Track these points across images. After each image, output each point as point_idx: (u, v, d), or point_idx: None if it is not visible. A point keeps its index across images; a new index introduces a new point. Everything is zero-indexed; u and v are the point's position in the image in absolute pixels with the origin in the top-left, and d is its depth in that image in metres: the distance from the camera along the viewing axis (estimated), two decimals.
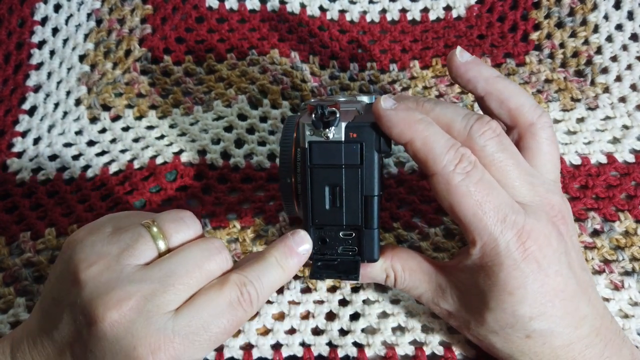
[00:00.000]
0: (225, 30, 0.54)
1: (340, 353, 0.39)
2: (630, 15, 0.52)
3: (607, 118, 0.48)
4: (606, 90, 0.49)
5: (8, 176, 0.48)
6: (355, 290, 0.42)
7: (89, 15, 0.54)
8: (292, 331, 0.40)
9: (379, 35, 0.54)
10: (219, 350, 0.39)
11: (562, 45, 0.52)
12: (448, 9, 0.55)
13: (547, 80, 0.50)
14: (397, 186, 0.46)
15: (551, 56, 0.52)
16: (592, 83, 0.50)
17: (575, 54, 0.51)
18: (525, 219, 0.32)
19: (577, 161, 0.46)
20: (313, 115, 0.33)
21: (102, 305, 0.29)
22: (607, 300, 0.41)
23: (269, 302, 0.41)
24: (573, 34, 0.52)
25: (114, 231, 0.33)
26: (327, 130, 0.33)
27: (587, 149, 0.47)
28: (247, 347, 0.40)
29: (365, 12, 0.55)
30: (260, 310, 0.41)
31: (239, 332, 0.40)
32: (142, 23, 0.54)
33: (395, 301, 0.41)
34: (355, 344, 0.40)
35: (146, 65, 0.52)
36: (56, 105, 0.51)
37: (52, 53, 0.52)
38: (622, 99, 0.49)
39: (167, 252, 0.33)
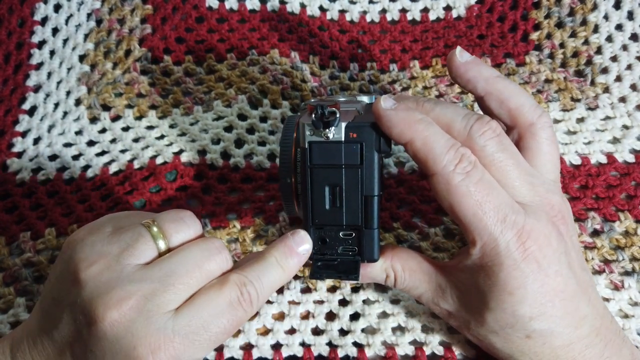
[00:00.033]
0: (225, 30, 0.54)
1: (340, 353, 0.39)
2: (630, 15, 0.52)
3: (607, 118, 0.48)
4: (606, 90, 0.49)
5: (8, 176, 0.48)
6: (355, 290, 0.42)
7: (89, 15, 0.54)
8: (292, 331, 0.40)
9: (379, 35, 0.54)
10: (219, 350, 0.39)
11: (562, 45, 0.52)
12: (448, 9, 0.55)
13: (547, 80, 0.50)
14: (397, 186, 0.46)
15: (551, 56, 0.52)
16: (592, 83, 0.50)
17: (575, 54, 0.51)
18: (525, 219, 0.32)
19: (577, 161, 0.46)
20: (313, 115, 0.33)
21: (102, 305, 0.29)
22: (607, 300, 0.41)
23: (269, 302, 0.41)
24: (573, 34, 0.52)
25: (114, 231, 0.33)
26: (327, 130, 0.33)
27: (587, 149, 0.47)
28: (247, 347, 0.40)
29: (365, 12, 0.55)
30: (260, 310, 0.41)
31: (239, 332, 0.40)
32: (142, 23, 0.54)
33: (395, 301, 0.41)
34: (355, 344, 0.40)
35: (146, 65, 0.52)
36: (56, 105, 0.51)
37: (52, 53, 0.52)
38: (622, 99, 0.49)
39: (167, 251, 0.33)
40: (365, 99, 0.38)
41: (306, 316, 0.41)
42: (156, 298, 0.30)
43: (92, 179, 0.48)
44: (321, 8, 0.55)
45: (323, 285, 0.42)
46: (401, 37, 0.54)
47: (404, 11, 0.55)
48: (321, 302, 0.41)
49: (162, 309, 0.30)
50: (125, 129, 0.50)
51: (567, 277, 0.32)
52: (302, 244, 0.35)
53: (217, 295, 0.31)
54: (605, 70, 0.50)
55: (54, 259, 0.44)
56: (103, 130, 0.50)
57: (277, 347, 0.40)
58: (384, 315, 0.41)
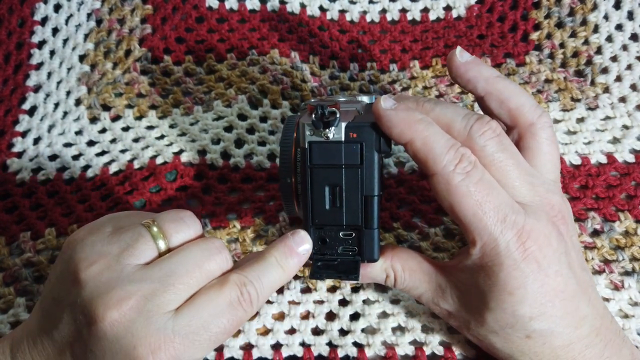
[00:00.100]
0: (225, 30, 0.54)
1: (340, 353, 0.39)
2: (630, 15, 0.52)
3: (607, 118, 0.48)
4: (606, 90, 0.49)
5: (8, 176, 0.48)
6: (355, 290, 0.42)
7: (89, 15, 0.54)
8: (292, 331, 0.40)
9: (379, 35, 0.54)
10: (219, 350, 0.39)
11: (562, 45, 0.52)
12: (448, 9, 0.55)
13: (547, 80, 0.50)
14: (397, 186, 0.46)
15: (551, 56, 0.52)
16: (592, 83, 0.50)
17: (575, 54, 0.51)
18: (525, 219, 0.32)
19: (577, 161, 0.46)
20: (313, 115, 0.33)
21: (102, 305, 0.29)
22: (607, 300, 0.41)
23: (269, 302, 0.41)
24: (573, 34, 0.52)
25: (114, 231, 0.33)
26: (327, 130, 0.33)
27: (587, 149, 0.47)
28: (247, 347, 0.40)
29: (365, 12, 0.55)
30: (260, 310, 0.41)
31: (239, 332, 0.40)
32: (142, 23, 0.54)
33: (395, 301, 0.41)
34: (355, 344, 0.40)
35: (146, 65, 0.52)
36: (56, 105, 0.51)
37: (52, 53, 0.52)
38: (622, 99, 0.49)
39: (167, 251, 0.33)
40: (365, 99, 0.38)
41: (306, 316, 0.41)
42: (156, 298, 0.30)
43: (92, 179, 0.48)
44: (321, 8, 0.55)
45: (323, 285, 0.42)
46: (401, 37, 0.54)
47: (404, 11, 0.55)
48: (321, 302, 0.41)
49: (162, 309, 0.30)
50: (125, 129, 0.50)
51: (567, 277, 0.32)
52: (302, 244, 0.35)
53: (217, 295, 0.31)
54: (605, 70, 0.50)
55: (54, 259, 0.44)
56: (103, 130, 0.50)
57: (277, 347, 0.40)
58: (384, 315, 0.41)
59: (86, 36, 0.53)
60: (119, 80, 0.52)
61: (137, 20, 0.54)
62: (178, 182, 0.47)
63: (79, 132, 0.50)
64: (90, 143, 0.49)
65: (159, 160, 0.48)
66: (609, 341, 0.34)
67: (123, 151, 0.49)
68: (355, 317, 0.41)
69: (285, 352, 0.40)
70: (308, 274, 0.40)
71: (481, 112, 0.36)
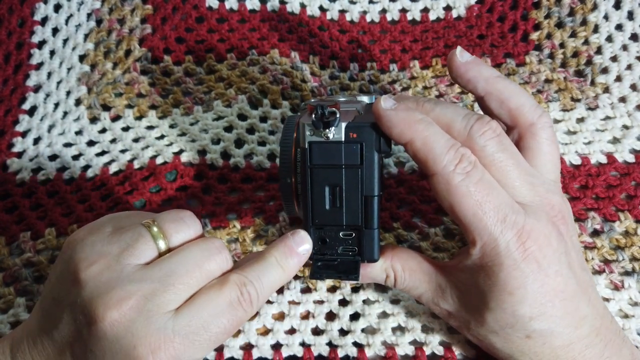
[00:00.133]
0: (225, 30, 0.54)
1: (340, 353, 0.39)
2: (630, 15, 0.52)
3: (607, 118, 0.48)
4: (606, 90, 0.49)
5: (8, 176, 0.48)
6: (355, 290, 0.42)
7: (89, 15, 0.54)
8: (292, 331, 0.40)
9: (379, 35, 0.54)
10: (219, 350, 0.39)
11: (562, 45, 0.52)
12: (448, 9, 0.55)
13: (547, 80, 0.50)
14: (397, 186, 0.46)
15: (551, 56, 0.52)
16: (592, 83, 0.50)
17: (575, 54, 0.51)
18: (525, 219, 0.32)
19: (577, 161, 0.46)
20: (313, 116, 0.33)
21: (102, 305, 0.29)
22: (607, 300, 0.41)
23: (269, 302, 0.41)
24: (573, 34, 0.52)
25: (114, 231, 0.33)
26: (327, 130, 0.33)
27: (587, 149, 0.47)
28: (247, 347, 0.40)
29: (365, 12, 0.55)
30: (260, 310, 0.41)
31: (239, 332, 0.40)
32: (142, 23, 0.54)
33: (395, 301, 0.41)
34: (355, 344, 0.40)
35: (146, 65, 0.52)
36: (56, 105, 0.51)
37: (52, 53, 0.52)
38: (622, 99, 0.49)
39: (168, 251, 0.33)
40: (365, 99, 0.38)
41: (306, 316, 0.41)
42: (156, 298, 0.30)
43: (92, 179, 0.48)
44: (321, 8, 0.55)
45: (323, 285, 0.42)
46: (401, 37, 0.54)
47: (404, 11, 0.55)
48: (321, 302, 0.41)
49: (162, 309, 0.30)
50: (125, 129, 0.50)
51: (567, 277, 0.32)
52: (302, 244, 0.35)
53: (217, 295, 0.31)
54: (605, 70, 0.50)
55: (54, 259, 0.44)
56: (103, 130, 0.50)
57: (277, 347, 0.40)
58: (384, 315, 0.41)
59: (86, 36, 0.53)
60: (119, 80, 0.52)
61: (137, 20, 0.54)
62: (178, 182, 0.47)
63: (79, 132, 0.50)
64: (90, 143, 0.49)
65: (159, 160, 0.48)
66: (609, 341, 0.34)
67: (123, 151, 0.49)
68: (355, 317, 0.41)
69: (285, 352, 0.40)
70: (308, 274, 0.40)
71: (481, 112, 0.36)
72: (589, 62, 0.51)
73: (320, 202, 0.34)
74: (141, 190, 0.47)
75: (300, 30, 0.54)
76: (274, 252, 0.34)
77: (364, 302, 0.41)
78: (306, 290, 0.42)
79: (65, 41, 0.53)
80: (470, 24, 0.54)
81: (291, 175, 0.36)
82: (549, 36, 0.52)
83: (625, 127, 0.48)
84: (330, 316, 0.41)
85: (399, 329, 0.40)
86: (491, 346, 0.35)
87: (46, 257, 0.44)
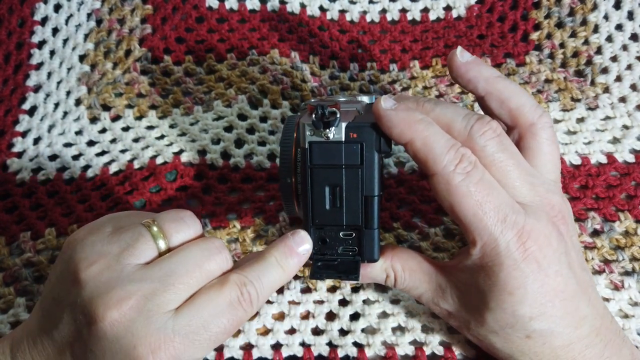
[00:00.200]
0: (225, 30, 0.54)
1: (340, 353, 0.39)
2: (630, 15, 0.52)
3: (607, 118, 0.48)
4: (606, 90, 0.49)
5: (8, 176, 0.48)
6: (355, 290, 0.42)
7: (89, 15, 0.54)
8: (292, 331, 0.40)
9: (379, 35, 0.54)
10: (219, 350, 0.39)
11: (562, 45, 0.52)
12: (448, 9, 0.55)
13: (547, 80, 0.50)
14: (397, 186, 0.46)
15: (551, 56, 0.52)
16: (592, 83, 0.50)
17: (575, 54, 0.51)
18: (525, 219, 0.32)
19: (577, 161, 0.46)
20: (313, 116, 0.33)
21: (103, 305, 0.29)
22: (607, 300, 0.41)
23: (269, 302, 0.41)
24: (573, 34, 0.52)
25: (114, 231, 0.33)
26: (328, 130, 0.33)
27: (587, 149, 0.47)
28: (247, 347, 0.40)
29: (365, 12, 0.55)
30: (260, 310, 0.41)
31: (239, 332, 0.40)
32: (142, 23, 0.54)
33: (395, 301, 0.41)
34: (355, 344, 0.40)
35: (146, 65, 0.52)
36: (56, 105, 0.51)
37: (52, 53, 0.52)
38: (622, 99, 0.49)
39: (168, 251, 0.33)
40: (365, 99, 0.38)
41: (306, 316, 0.41)
42: (156, 298, 0.30)
43: (92, 179, 0.48)
44: (321, 8, 0.55)
45: (323, 285, 0.42)
46: (401, 37, 0.54)
47: (404, 11, 0.55)
48: (321, 302, 0.41)
49: (162, 309, 0.30)
50: (125, 129, 0.50)
51: (567, 277, 0.32)
52: (302, 244, 0.35)
53: (217, 295, 0.31)
54: (605, 70, 0.50)
55: (54, 259, 0.44)
56: (103, 130, 0.50)
57: (277, 347, 0.40)
58: (384, 315, 0.41)
59: (86, 36, 0.53)
60: (119, 80, 0.52)
61: (137, 20, 0.54)
62: (178, 182, 0.47)
63: (79, 132, 0.50)
64: (90, 143, 0.49)
65: (159, 160, 0.48)
66: (609, 341, 0.34)
67: (123, 151, 0.49)
68: (355, 317, 0.41)
69: (285, 352, 0.40)
70: (308, 274, 0.40)
71: (481, 112, 0.36)
72: (589, 62, 0.51)
73: (321, 202, 0.34)
74: (141, 190, 0.47)
75: (300, 30, 0.54)
76: (274, 252, 0.34)
77: (364, 302, 0.41)
78: (306, 290, 0.42)
79: (65, 41, 0.53)
80: (470, 24, 0.54)
81: (291, 175, 0.36)
82: (549, 36, 0.52)
83: (625, 127, 0.48)
84: (330, 316, 0.41)
85: (399, 329, 0.40)
86: (491, 346, 0.35)
87: (46, 257, 0.44)
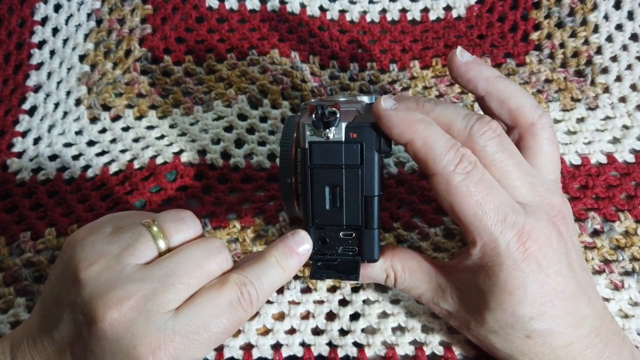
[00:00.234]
0: (225, 30, 0.54)
1: (340, 353, 0.39)
2: (630, 15, 0.52)
3: (607, 118, 0.48)
4: (606, 90, 0.49)
5: (8, 176, 0.48)
6: (355, 290, 0.42)
7: (89, 15, 0.54)
8: (292, 331, 0.40)
9: (379, 35, 0.54)
10: (219, 350, 0.39)
11: (562, 45, 0.52)
12: (448, 9, 0.55)
13: (547, 80, 0.50)
14: (397, 186, 0.46)
15: (551, 56, 0.52)
16: (592, 83, 0.50)
17: (575, 54, 0.51)
18: (525, 219, 0.32)
19: (577, 161, 0.46)
20: (313, 116, 0.33)
21: (103, 305, 0.29)
22: (607, 300, 0.41)
23: (269, 302, 0.41)
24: (573, 34, 0.52)
25: (114, 231, 0.33)
26: (328, 130, 0.33)
27: (587, 149, 0.47)
28: (247, 347, 0.40)
29: (365, 12, 0.55)
30: (260, 310, 0.41)
31: (239, 332, 0.40)
32: (142, 23, 0.54)
33: (395, 301, 0.41)
34: (355, 344, 0.40)
35: (146, 65, 0.52)
36: (56, 105, 0.51)
37: (52, 53, 0.52)
38: (622, 99, 0.49)
39: (168, 251, 0.33)
40: (365, 99, 0.38)
41: (306, 316, 0.41)
42: (156, 298, 0.30)
43: (92, 179, 0.48)
44: (321, 8, 0.55)
45: (323, 285, 0.42)
46: (401, 37, 0.54)
47: (404, 11, 0.55)
48: (321, 302, 0.41)
49: (162, 309, 0.30)
50: (125, 129, 0.50)
51: (567, 277, 0.32)
52: (302, 244, 0.35)
53: (217, 295, 0.31)
54: (605, 70, 0.50)
55: (54, 259, 0.44)
56: (103, 130, 0.50)
57: (277, 347, 0.40)
58: (384, 315, 0.41)
59: (86, 36, 0.53)
60: (119, 80, 0.52)
61: (137, 20, 0.54)
62: (178, 182, 0.47)
63: (79, 132, 0.50)
64: (90, 143, 0.49)
65: (159, 160, 0.48)
66: (609, 341, 0.34)
67: (123, 151, 0.49)
68: (355, 317, 0.41)
69: (285, 352, 0.40)
70: (308, 274, 0.40)
71: (481, 112, 0.36)
72: (589, 62, 0.51)
73: (321, 202, 0.34)
74: (141, 190, 0.47)
75: (300, 30, 0.54)
76: (274, 252, 0.34)
77: (364, 302, 0.41)
78: (306, 290, 0.42)
79: (65, 41, 0.53)
80: (470, 24, 0.54)
81: (291, 175, 0.36)
82: (549, 36, 0.52)
83: (625, 127, 0.48)
84: (330, 316, 0.41)
85: (399, 329, 0.40)
86: (491, 346, 0.35)
87: (46, 257, 0.44)
